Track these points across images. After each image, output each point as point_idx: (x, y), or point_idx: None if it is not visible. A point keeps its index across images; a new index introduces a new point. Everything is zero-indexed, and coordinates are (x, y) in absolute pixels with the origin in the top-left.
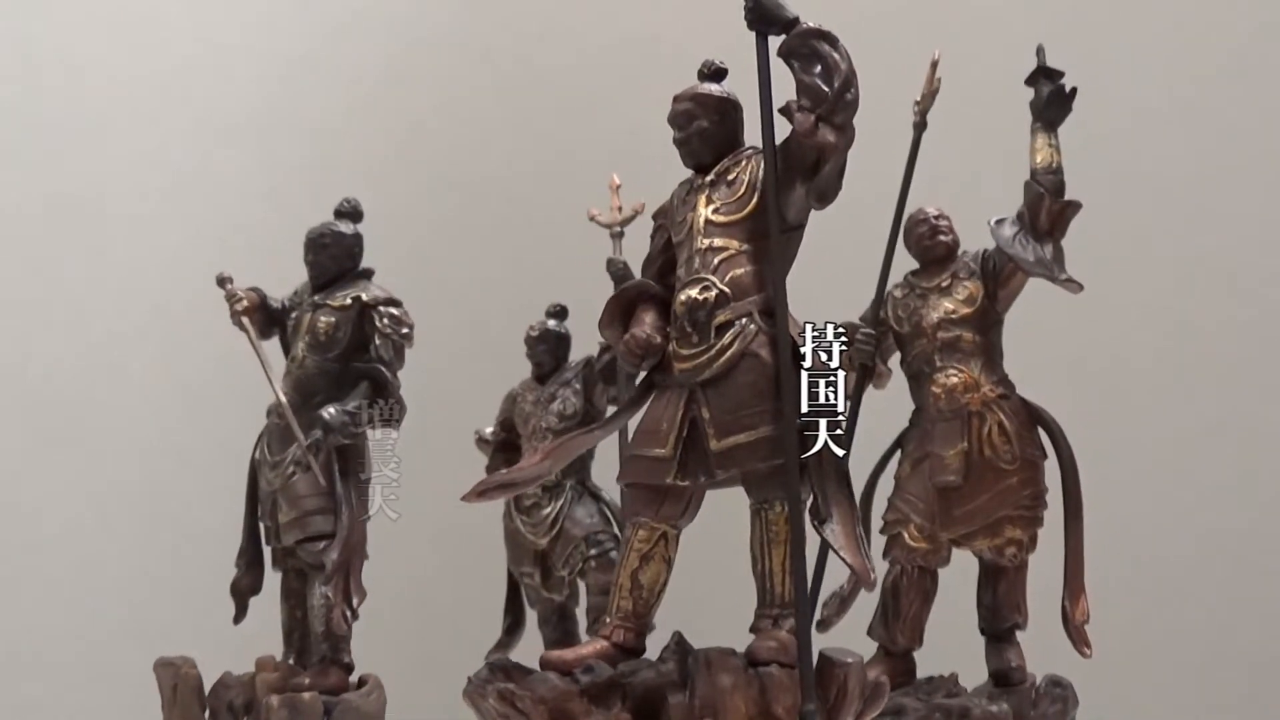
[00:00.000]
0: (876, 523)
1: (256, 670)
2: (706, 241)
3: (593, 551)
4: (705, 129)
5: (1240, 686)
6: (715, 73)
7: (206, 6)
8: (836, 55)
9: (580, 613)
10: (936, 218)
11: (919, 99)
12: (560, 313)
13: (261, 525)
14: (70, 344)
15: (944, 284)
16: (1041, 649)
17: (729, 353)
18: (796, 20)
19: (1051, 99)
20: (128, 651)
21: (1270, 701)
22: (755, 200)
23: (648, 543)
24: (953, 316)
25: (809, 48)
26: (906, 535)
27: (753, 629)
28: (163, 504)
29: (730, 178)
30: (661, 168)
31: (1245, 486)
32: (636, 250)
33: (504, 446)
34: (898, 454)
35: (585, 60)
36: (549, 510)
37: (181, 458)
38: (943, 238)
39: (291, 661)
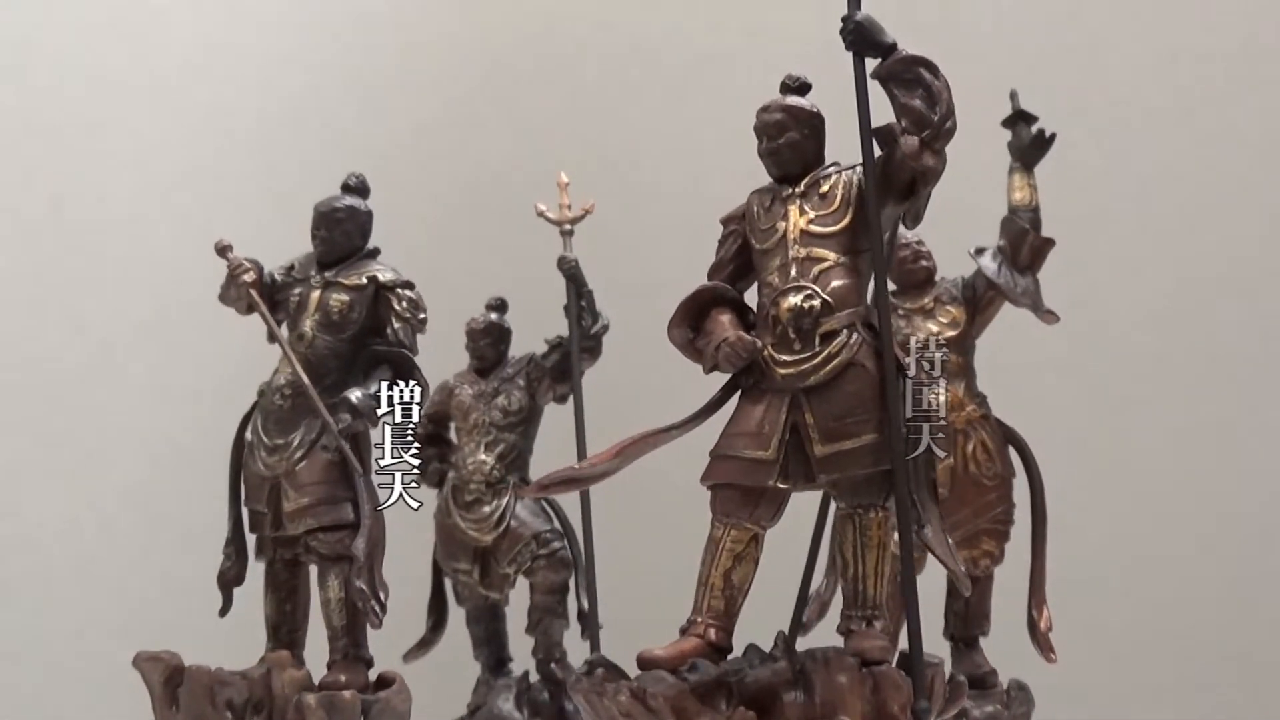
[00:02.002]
0: None
1: (274, 667)
2: (804, 251)
3: (542, 551)
4: (796, 140)
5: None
6: (801, 87)
7: (207, 6)
8: (939, 83)
9: (510, 612)
10: (917, 243)
11: None
12: (501, 306)
13: (246, 511)
14: (70, 344)
15: (927, 307)
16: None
17: (835, 361)
18: (895, 45)
19: (1034, 142)
20: (126, 650)
21: (1219, 698)
22: (850, 216)
23: (740, 543)
24: (938, 339)
25: (912, 74)
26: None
27: (843, 630)
28: (161, 504)
29: (822, 190)
30: (658, 167)
31: (1206, 493)
32: (583, 249)
33: (431, 439)
34: None
35: (582, 61)
36: (492, 507)
37: (180, 458)
38: (924, 263)
39: None
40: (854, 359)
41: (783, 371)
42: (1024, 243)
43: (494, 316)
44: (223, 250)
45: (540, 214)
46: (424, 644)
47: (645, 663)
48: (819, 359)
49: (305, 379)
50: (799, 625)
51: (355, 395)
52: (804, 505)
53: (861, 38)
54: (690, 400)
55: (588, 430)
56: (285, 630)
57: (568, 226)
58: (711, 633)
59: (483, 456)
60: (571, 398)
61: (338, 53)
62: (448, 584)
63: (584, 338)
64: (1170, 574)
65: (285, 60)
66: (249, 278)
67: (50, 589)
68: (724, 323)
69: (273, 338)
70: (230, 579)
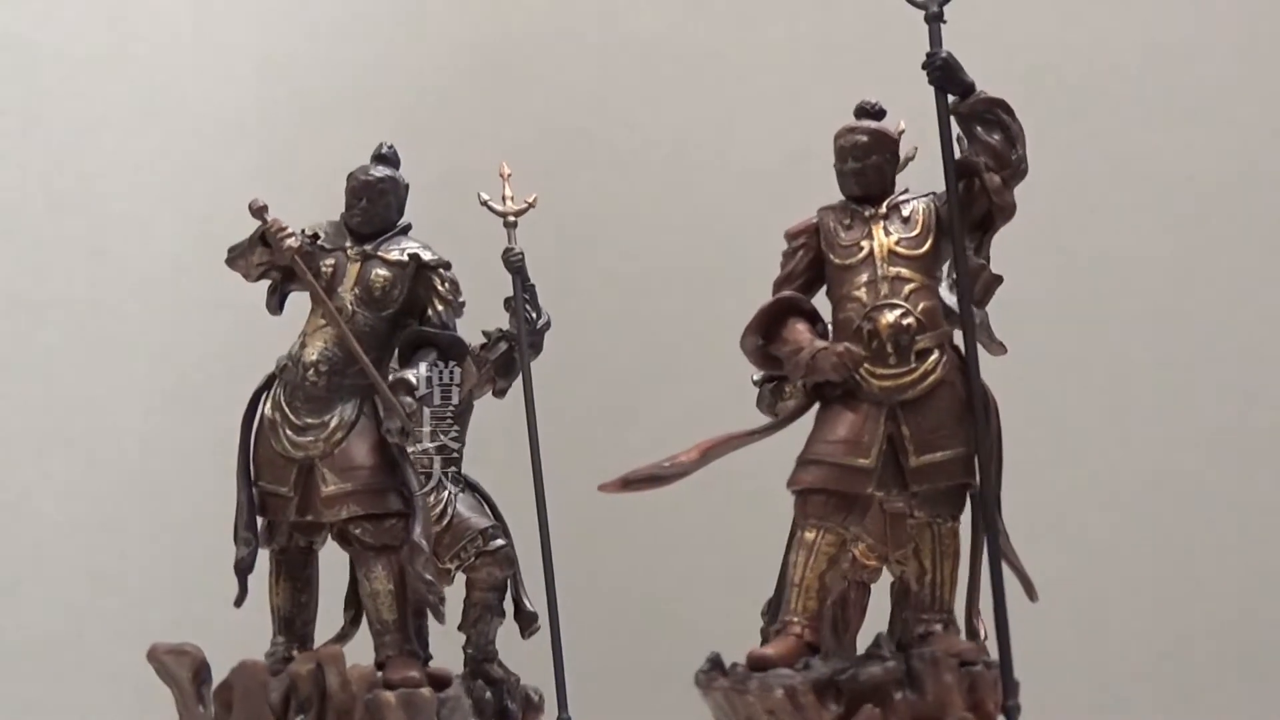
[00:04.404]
0: None
1: (327, 663)
2: (893, 270)
3: (488, 547)
4: (879, 164)
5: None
6: (879, 112)
7: (208, 6)
8: (1017, 125)
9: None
10: None
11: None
12: None
13: (255, 492)
14: (69, 344)
15: None
16: None
17: (932, 378)
18: (974, 85)
19: None
20: (128, 650)
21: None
22: (931, 241)
23: (834, 546)
24: None
25: (994, 115)
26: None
27: (923, 633)
28: (162, 503)
29: (905, 214)
30: (659, 167)
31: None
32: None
33: None
34: None
35: (584, 63)
36: (433, 500)
37: (181, 457)
38: None
39: (296, 652)
40: (946, 376)
41: (881, 384)
42: (978, 278)
43: None
44: (260, 210)
45: (484, 203)
46: (341, 637)
47: (760, 662)
48: (916, 375)
49: (364, 356)
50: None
51: (412, 375)
52: (784, 509)
53: (947, 75)
54: (628, 400)
55: (514, 428)
56: (300, 623)
57: (511, 219)
58: (807, 633)
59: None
60: (522, 393)
61: (338, 53)
62: None
63: (529, 332)
64: (1104, 584)
65: (291, 59)
66: (294, 242)
67: (50, 589)
68: (804, 331)
69: (272, 305)
70: (247, 566)
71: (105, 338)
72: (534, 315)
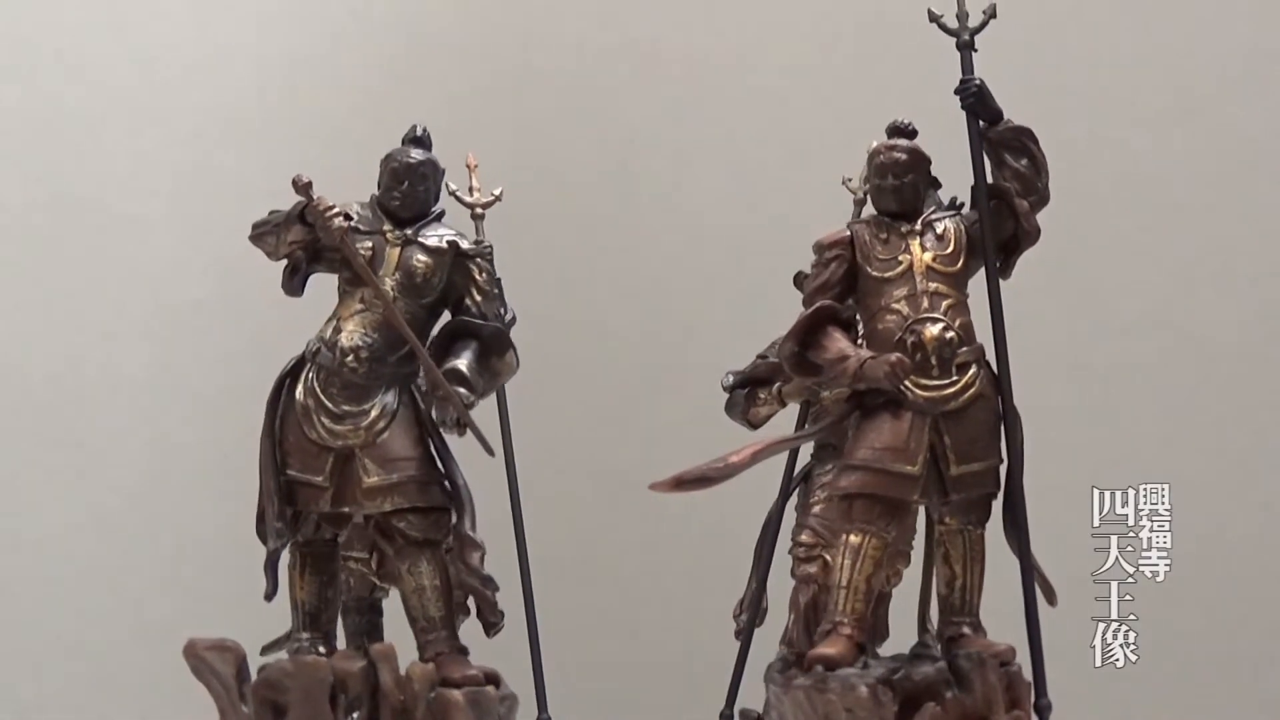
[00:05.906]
0: (784, 544)
1: (380, 660)
2: (932, 285)
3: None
4: (916, 181)
5: None
6: (912, 131)
7: (208, 6)
8: (1042, 154)
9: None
10: None
11: (856, 178)
12: None
13: (279, 481)
14: (70, 344)
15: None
16: None
17: (971, 390)
18: (1002, 112)
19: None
20: (129, 652)
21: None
22: (963, 260)
23: (880, 550)
24: None
25: (1020, 143)
26: (828, 558)
27: (953, 635)
28: (163, 505)
29: (939, 231)
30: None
31: None
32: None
33: None
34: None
35: (585, 64)
36: None
37: (182, 458)
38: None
39: (322, 648)
40: (982, 390)
41: (925, 395)
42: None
43: None
44: (305, 187)
45: (452, 193)
46: (289, 637)
47: (828, 661)
48: (958, 387)
49: (413, 339)
50: (752, 632)
51: (464, 366)
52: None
53: (980, 101)
54: (605, 395)
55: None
56: (325, 618)
57: (479, 210)
58: (856, 633)
59: None
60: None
61: (349, 52)
62: None
63: None
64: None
65: (291, 59)
66: (343, 221)
67: (50, 589)
68: (844, 339)
69: (293, 287)
70: (279, 558)
71: (105, 338)
72: (501, 309)
